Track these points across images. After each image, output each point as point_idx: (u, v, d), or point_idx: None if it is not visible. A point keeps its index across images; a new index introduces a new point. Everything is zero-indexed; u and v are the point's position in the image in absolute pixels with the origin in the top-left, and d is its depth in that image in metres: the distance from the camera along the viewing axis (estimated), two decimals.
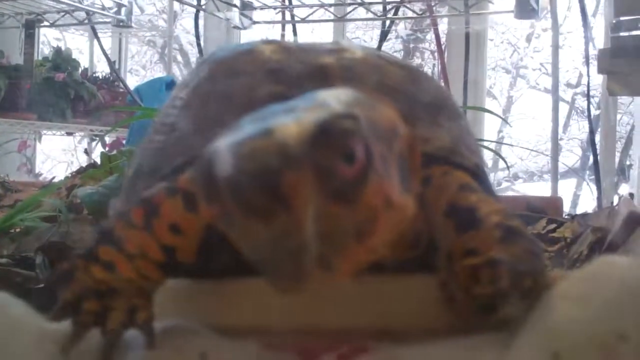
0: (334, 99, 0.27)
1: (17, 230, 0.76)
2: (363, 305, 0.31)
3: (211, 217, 0.30)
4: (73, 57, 2.45)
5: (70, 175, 1.13)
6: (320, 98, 0.27)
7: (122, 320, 0.32)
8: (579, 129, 4.39)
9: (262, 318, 0.31)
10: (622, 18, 1.38)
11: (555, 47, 1.52)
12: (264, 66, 0.37)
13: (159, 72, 5.29)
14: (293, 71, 0.36)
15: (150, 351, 0.31)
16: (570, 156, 5.43)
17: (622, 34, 1.38)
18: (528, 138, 5.51)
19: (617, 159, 2.15)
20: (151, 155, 0.39)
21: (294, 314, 0.30)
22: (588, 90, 1.59)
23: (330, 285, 0.29)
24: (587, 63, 1.48)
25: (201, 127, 0.36)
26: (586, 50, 1.47)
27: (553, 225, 0.90)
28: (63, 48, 2.57)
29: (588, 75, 1.50)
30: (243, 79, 0.37)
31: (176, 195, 0.34)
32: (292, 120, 0.24)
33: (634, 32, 1.37)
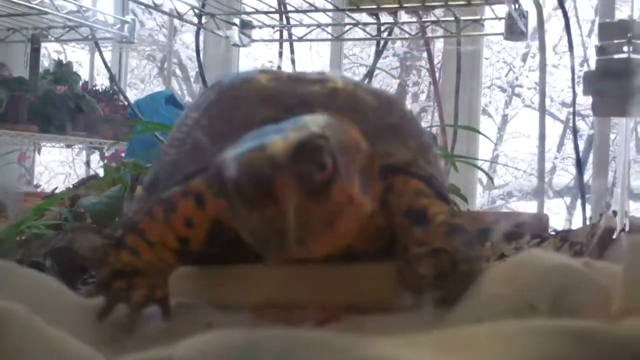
0: (313, 123, 0.36)
1: (23, 237, 0.79)
2: (336, 285, 0.40)
3: (216, 213, 0.41)
4: (74, 70, 2.49)
5: (72, 186, 1.16)
6: (303, 122, 0.37)
7: (144, 296, 0.40)
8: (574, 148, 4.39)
9: (256, 297, 0.40)
10: (606, 42, 1.43)
11: (543, 70, 1.56)
12: (260, 93, 0.47)
13: (157, 86, 5.34)
14: (284, 97, 0.46)
15: (166, 322, 0.39)
16: (565, 175, 5.48)
17: (606, 57, 1.43)
18: (523, 156, 5.56)
19: (610, 178, 2.18)
20: (166, 165, 0.49)
21: (282, 293, 0.39)
22: (574, 111, 1.64)
23: (312, 267, 0.39)
24: (573, 85, 1.53)
25: (209, 143, 0.46)
26: (572, 72, 1.52)
27: (536, 240, 0.93)
28: (64, 61, 2.61)
29: (574, 95, 1.54)
30: (243, 104, 0.47)
31: (189, 196, 0.43)
32: (280, 138, 0.34)
33: (618, 56, 1.42)
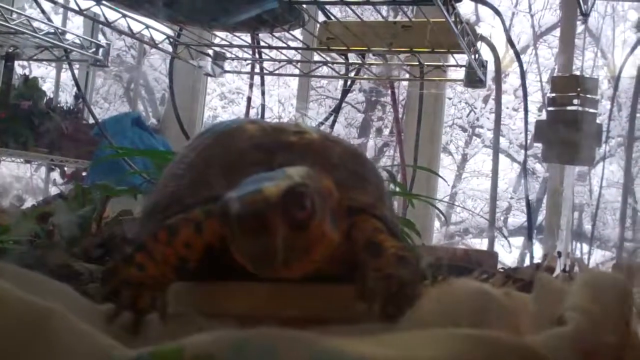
0: (297, 173, 0.46)
1: None
2: (307, 301, 0.50)
3: (211, 238, 0.50)
4: (39, 86, 2.47)
5: (36, 204, 1.18)
6: (288, 173, 0.46)
7: (147, 305, 0.48)
8: (531, 189, 4.51)
9: (240, 308, 0.49)
10: (558, 94, 1.52)
11: (498, 117, 1.64)
12: (249, 140, 0.56)
13: (122, 106, 5.31)
14: (269, 145, 0.56)
15: (163, 326, 0.46)
16: (520, 215, 5.60)
17: (557, 107, 1.53)
18: (480, 195, 5.67)
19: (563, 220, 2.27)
20: (167, 196, 0.57)
21: (262, 306, 0.49)
22: (525, 154, 1.72)
23: (287, 286, 0.48)
24: (526, 130, 1.62)
25: (205, 180, 0.55)
26: (525, 118, 1.60)
27: (484, 276, 0.98)
28: (29, 76, 2.59)
29: (526, 140, 1.63)
30: (235, 148, 0.56)
31: (189, 223, 0.52)
32: (272, 184, 0.44)
33: (567, 108, 1.51)
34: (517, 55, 1.61)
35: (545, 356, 0.30)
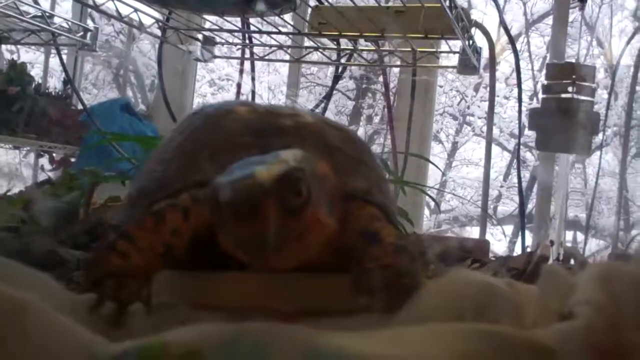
0: (290, 157, 0.44)
1: None
2: (298, 291, 0.47)
3: (198, 225, 0.48)
4: (27, 71, 2.44)
5: (24, 189, 1.16)
6: (282, 156, 0.44)
7: (131, 295, 0.45)
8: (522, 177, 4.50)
9: (227, 299, 0.46)
10: (552, 81, 1.51)
11: (491, 106, 1.63)
12: (240, 122, 0.54)
13: (111, 92, 5.28)
14: (260, 128, 0.53)
15: (148, 317, 0.44)
16: (510, 203, 5.62)
17: (551, 95, 1.51)
18: (470, 183, 5.69)
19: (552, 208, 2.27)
20: (153, 181, 0.54)
21: (250, 297, 0.46)
22: (519, 142, 1.71)
23: (278, 276, 0.46)
24: (520, 118, 1.61)
25: (194, 163, 0.52)
26: (519, 106, 1.59)
27: (477, 265, 0.97)
28: (17, 61, 2.56)
29: (520, 128, 1.62)
30: (225, 130, 0.53)
31: (176, 209, 0.49)
32: (265, 168, 0.41)
33: (562, 95, 1.50)
34: (512, 40, 1.59)
35: (556, 352, 0.29)
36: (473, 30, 1.46)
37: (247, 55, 1.69)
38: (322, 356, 0.29)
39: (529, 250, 1.21)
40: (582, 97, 1.50)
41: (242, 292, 0.46)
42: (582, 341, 0.30)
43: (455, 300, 0.39)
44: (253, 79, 1.73)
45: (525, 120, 1.70)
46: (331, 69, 1.87)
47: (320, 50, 1.61)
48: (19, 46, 2.94)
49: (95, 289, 0.46)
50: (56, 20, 1.78)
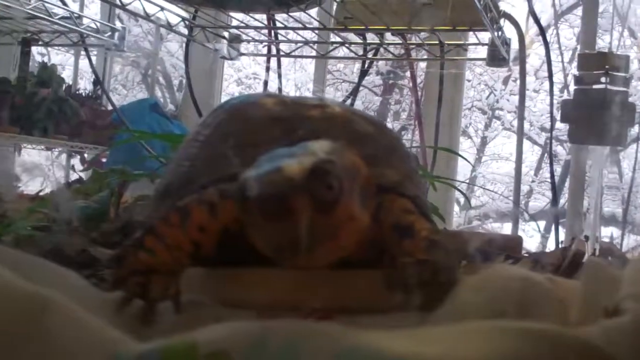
0: (320, 148, 0.42)
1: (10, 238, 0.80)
2: (332, 289, 0.45)
3: (226, 221, 0.46)
4: (58, 73, 2.47)
5: (55, 189, 1.17)
6: (312, 148, 0.42)
7: (159, 293, 0.44)
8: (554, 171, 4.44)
9: (259, 297, 0.45)
10: (585, 72, 1.48)
11: (522, 98, 1.60)
12: (267, 114, 0.52)
13: (140, 92, 5.32)
14: (288, 120, 0.51)
15: (177, 316, 0.43)
16: (542, 199, 5.54)
17: (584, 86, 1.48)
18: (500, 178, 5.62)
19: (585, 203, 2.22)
20: (180, 176, 0.53)
21: (282, 295, 0.44)
22: (551, 136, 1.68)
23: (311, 273, 0.44)
24: (552, 111, 1.58)
25: (220, 157, 0.51)
26: (551, 98, 1.56)
27: (510, 261, 0.96)
28: (48, 64, 2.59)
29: (552, 121, 1.59)
30: (252, 123, 0.52)
31: (203, 205, 0.48)
32: (294, 162, 0.39)
33: (595, 86, 1.47)
34: (542, 31, 1.56)
35: (604, 350, 0.27)
36: (502, 21, 1.44)
37: (274, 52, 1.69)
38: (356, 357, 0.28)
39: (562, 245, 1.19)
40: (616, 88, 1.46)
41: (274, 289, 0.45)
42: (632, 338, 0.28)
43: (497, 296, 0.37)
44: (280, 75, 1.73)
45: (556, 113, 1.67)
46: (357, 65, 1.86)
47: (347, 45, 1.60)
48: (49, 48, 2.97)
49: (122, 286, 0.45)
50: (85, 21, 1.80)
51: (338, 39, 1.62)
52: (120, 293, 0.44)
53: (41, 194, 1.22)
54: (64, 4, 1.75)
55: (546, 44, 1.56)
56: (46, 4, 1.56)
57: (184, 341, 0.29)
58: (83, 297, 0.37)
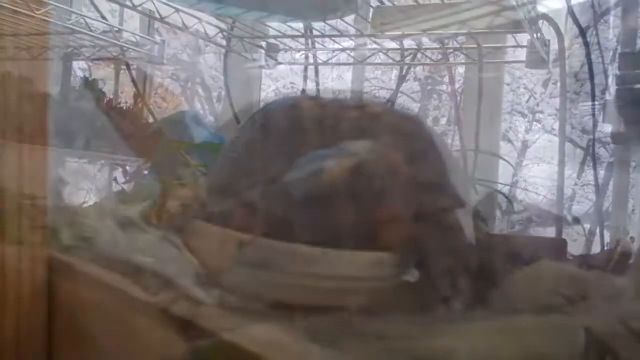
0: (361, 149, 0.43)
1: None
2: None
3: (269, 222, 0.45)
4: (99, 87, 2.52)
5: (99, 201, 1.19)
6: (352, 149, 0.43)
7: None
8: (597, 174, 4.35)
9: (299, 297, 0.46)
10: (626, 72, 1.45)
11: (564, 97, 1.58)
12: (306, 116, 0.52)
13: (180, 105, 5.39)
14: (327, 122, 0.51)
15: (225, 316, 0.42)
16: (585, 202, 5.43)
17: (626, 86, 1.45)
18: (543, 182, 5.53)
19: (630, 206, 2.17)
20: (223, 177, 0.56)
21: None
22: (594, 139, 1.65)
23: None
24: (594, 113, 1.55)
25: (262, 160, 0.52)
26: (593, 100, 1.53)
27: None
28: (89, 78, 2.65)
29: (594, 123, 1.56)
30: (291, 125, 0.53)
31: (243, 207, 0.48)
32: (334, 163, 0.41)
33: (637, 86, 1.43)
34: (582, 32, 1.54)
35: None
36: (540, 22, 1.42)
37: (311, 60, 1.70)
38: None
39: (608, 248, 1.16)
40: None
41: (312, 291, 0.45)
42: None
43: (546, 291, 0.37)
44: (317, 84, 1.73)
45: (598, 115, 1.64)
46: (395, 72, 1.85)
47: (384, 52, 1.60)
48: (90, 63, 3.03)
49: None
50: (125, 35, 1.83)
51: (375, 47, 1.62)
52: (168, 296, 0.46)
53: (84, 205, 1.24)
54: (104, 18, 1.79)
55: (587, 46, 1.53)
56: (86, 20, 1.60)
57: (225, 342, 0.30)
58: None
